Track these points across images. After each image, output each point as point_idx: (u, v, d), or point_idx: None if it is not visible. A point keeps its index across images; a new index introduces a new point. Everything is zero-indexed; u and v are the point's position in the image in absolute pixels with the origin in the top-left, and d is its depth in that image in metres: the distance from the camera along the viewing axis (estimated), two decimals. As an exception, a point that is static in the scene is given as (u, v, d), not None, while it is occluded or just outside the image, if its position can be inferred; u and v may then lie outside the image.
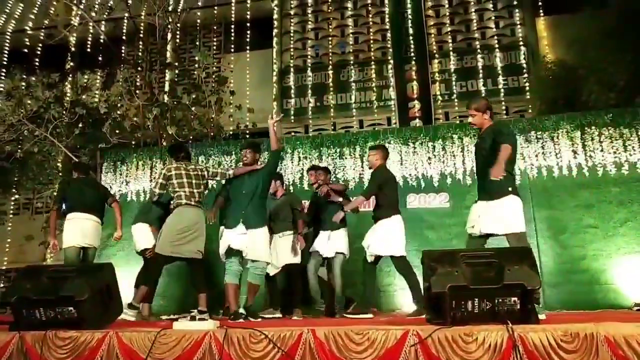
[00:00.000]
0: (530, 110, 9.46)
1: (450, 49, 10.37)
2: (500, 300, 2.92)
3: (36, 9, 11.28)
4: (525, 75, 9.75)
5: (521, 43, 10.06)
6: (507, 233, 3.85)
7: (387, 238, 4.95)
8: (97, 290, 3.68)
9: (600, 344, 2.57)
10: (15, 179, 9.10)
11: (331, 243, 5.42)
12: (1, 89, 9.64)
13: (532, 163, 6.34)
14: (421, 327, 2.92)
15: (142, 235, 5.75)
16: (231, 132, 8.97)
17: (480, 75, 10.04)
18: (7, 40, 11.49)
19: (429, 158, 6.67)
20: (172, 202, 4.84)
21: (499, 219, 3.87)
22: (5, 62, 10.27)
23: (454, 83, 10.17)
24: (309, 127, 10.49)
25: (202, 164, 5.43)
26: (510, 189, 3.93)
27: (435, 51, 10.49)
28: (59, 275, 3.73)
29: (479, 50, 10.18)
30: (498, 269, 2.97)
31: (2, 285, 10.44)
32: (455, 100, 10.07)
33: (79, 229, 5.53)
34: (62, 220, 5.69)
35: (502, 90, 9.85)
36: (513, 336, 2.66)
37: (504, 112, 9.78)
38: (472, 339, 2.74)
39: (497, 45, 10.13)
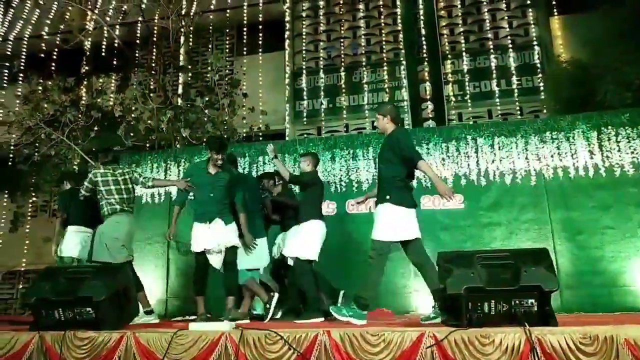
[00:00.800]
0: (544, 111, 9.38)
1: (463, 49, 10.32)
2: (517, 302, 2.91)
3: (52, 14, 11.43)
4: (540, 75, 9.67)
5: (535, 43, 9.98)
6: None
7: (300, 240, 4.97)
8: (114, 291, 3.72)
9: (620, 346, 2.54)
10: (33, 181, 9.22)
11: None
12: (19, 93, 9.77)
13: (547, 164, 6.28)
14: (437, 329, 2.91)
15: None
16: (244, 135, 9.00)
17: (494, 75, 9.97)
18: (24, 46, 11.66)
19: (443, 159, 6.63)
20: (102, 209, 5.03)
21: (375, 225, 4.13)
22: (22, 67, 10.41)
23: (467, 84, 10.11)
24: (321, 129, 10.50)
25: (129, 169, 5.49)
26: (388, 197, 4.10)
27: (448, 52, 10.45)
28: (77, 276, 3.78)
29: (492, 51, 10.12)
30: (514, 270, 2.95)
31: (21, 286, 10.60)
32: (469, 101, 10.01)
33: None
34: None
35: (516, 90, 9.77)
36: (531, 338, 2.65)
37: (518, 112, 9.71)
38: (489, 341, 2.72)
39: (510, 45, 10.06)
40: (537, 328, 2.73)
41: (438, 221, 6.40)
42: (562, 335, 2.64)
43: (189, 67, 10.84)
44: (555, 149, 6.29)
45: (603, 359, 2.55)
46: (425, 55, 10.32)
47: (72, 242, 5.86)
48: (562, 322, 3.03)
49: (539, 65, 9.77)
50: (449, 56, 10.38)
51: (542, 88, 9.54)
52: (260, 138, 9.51)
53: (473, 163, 6.52)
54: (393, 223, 4.04)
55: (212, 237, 4.81)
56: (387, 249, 4.11)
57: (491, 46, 10.17)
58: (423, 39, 10.38)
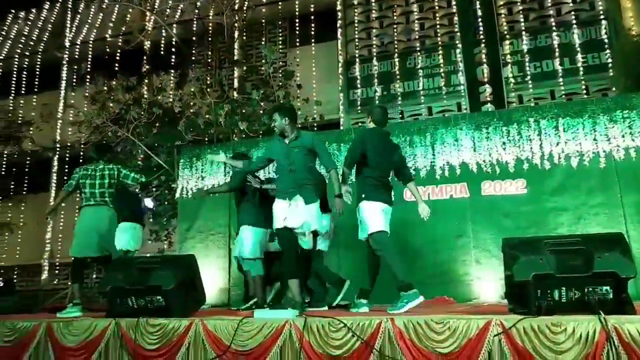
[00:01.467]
0: (613, 89, 8.84)
1: (523, 28, 9.87)
2: (590, 289, 2.78)
3: (114, 17, 11.94)
4: (608, 51, 9.11)
5: (602, 17, 9.39)
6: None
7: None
8: (181, 280, 3.87)
9: None
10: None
11: None
12: (87, 94, 10.30)
13: (618, 144, 5.92)
14: (504, 317, 2.83)
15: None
16: (299, 125, 9.07)
17: (557, 54, 9.49)
18: (90, 49, 12.26)
19: (504, 143, 6.41)
20: None
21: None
22: (89, 69, 10.97)
23: (527, 64, 9.69)
24: (376, 117, 10.39)
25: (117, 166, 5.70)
26: (363, 195, 4.39)
27: (506, 32, 10.04)
28: (147, 266, 3.96)
29: (554, 28, 9.62)
30: (586, 257, 2.82)
31: (94, 276, 11.24)
32: (529, 82, 9.59)
33: None
34: None
35: (581, 68, 9.26)
36: (607, 327, 2.52)
37: (584, 92, 9.20)
38: (561, 329, 2.62)
39: (574, 21, 9.53)
40: (613, 316, 2.60)
41: (499, 207, 6.21)
42: (642, 324, 2.50)
43: (244, 61, 11.03)
44: (627, 129, 5.92)
45: (688, 349, 2.40)
46: (482, 37, 9.98)
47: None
48: (640, 311, 2.87)
49: (606, 40, 9.20)
50: (507, 36, 9.97)
51: (610, 65, 9.00)
52: (315, 128, 9.56)
53: (536, 146, 6.26)
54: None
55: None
56: (386, 235, 4.34)
57: (553, 23, 9.67)
58: (479, 20, 10.03)
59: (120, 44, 11.74)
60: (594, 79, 9.20)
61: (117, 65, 11.39)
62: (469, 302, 5.88)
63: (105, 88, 9.80)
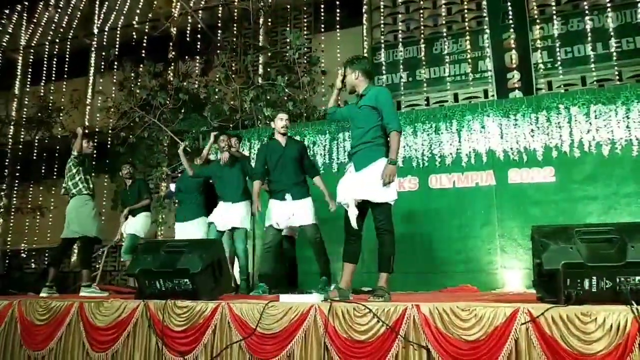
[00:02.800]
0: (649, 74, 8.56)
1: (554, 12, 9.59)
2: (622, 279, 2.72)
3: (141, 3, 12.04)
4: (644, 35, 8.80)
5: None
6: None
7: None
8: (208, 264, 3.93)
9: None
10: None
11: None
12: (114, 80, 10.46)
13: (655, 131, 5.77)
14: (532, 305, 2.80)
15: None
16: (324, 112, 9.06)
17: (589, 38, 9.21)
18: (118, 35, 12.40)
19: (532, 130, 6.28)
20: None
21: None
22: (117, 55, 11.11)
23: (557, 49, 9.43)
24: (401, 103, 10.29)
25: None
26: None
27: (536, 16, 9.77)
28: (175, 249, 4.03)
29: (587, 12, 9.33)
30: (620, 246, 2.76)
31: (122, 260, 11.48)
32: (560, 68, 9.35)
33: None
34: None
35: (614, 53, 8.98)
36: (639, 318, 2.47)
37: (617, 78, 8.93)
38: (591, 319, 2.58)
39: (609, 4, 9.22)
40: (646, 307, 2.54)
41: (527, 195, 6.12)
42: (676, 315, 2.44)
43: (269, 47, 11.02)
44: (663, 116, 5.75)
45: None
46: (511, 21, 9.74)
47: None
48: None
49: (642, 24, 8.89)
50: (538, 21, 9.70)
51: (646, 49, 8.70)
52: (340, 115, 9.51)
53: (565, 134, 6.13)
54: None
55: None
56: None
57: (586, 6, 9.38)
58: (509, 4, 9.78)
59: (147, 30, 11.85)
60: (628, 64, 8.90)
61: (144, 51, 11.51)
62: (492, 290, 5.83)
63: (133, 74, 9.93)
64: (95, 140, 11.90)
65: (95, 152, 12.25)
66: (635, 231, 2.83)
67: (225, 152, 5.84)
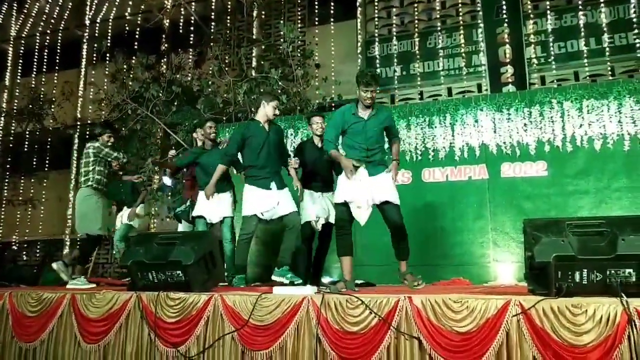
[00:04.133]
0: (640, 70, 8.62)
1: (548, 7, 9.61)
2: (612, 271, 2.74)
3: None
4: (636, 31, 8.83)
5: (631, -5, 9.11)
6: None
7: None
8: (201, 255, 3.92)
9: None
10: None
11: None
12: (107, 72, 10.37)
13: (645, 127, 5.81)
14: (524, 298, 2.82)
15: None
16: (318, 105, 9.04)
17: (582, 34, 9.24)
18: (110, 27, 12.29)
19: (525, 125, 6.31)
20: None
21: None
22: (109, 47, 11.01)
23: (551, 44, 9.45)
24: (395, 97, 10.29)
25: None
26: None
27: (530, 11, 9.79)
28: (168, 241, 4.02)
29: (580, 7, 9.36)
30: (610, 239, 2.78)
31: (114, 252, 11.45)
32: (553, 63, 9.38)
33: None
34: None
35: (607, 49, 9.02)
36: (628, 310, 2.50)
37: (610, 73, 8.97)
38: (581, 311, 2.60)
39: (602, 0, 9.25)
40: (636, 299, 2.57)
41: (520, 189, 6.15)
42: (665, 307, 2.47)
43: (262, 39, 10.96)
44: (654, 111, 5.79)
45: None
46: (505, 16, 9.75)
47: None
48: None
49: (635, 20, 8.92)
50: (532, 16, 9.73)
51: (638, 45, 8.74)
52: (334, 108, 9.50)
53: (558, 128, 6.15)
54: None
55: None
56: None
57: (579, 2, 9.40)
58: (503, -1, 9.80)
59: (139, 22, 11.75)
60: (621, 59, 8.95)
61: (136, 43, 11.41)
62: (485, 283, 5.87)
63: (125, 66, 9.85)
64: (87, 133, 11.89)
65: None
66: (626, 224, 2.86)
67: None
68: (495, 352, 2.75)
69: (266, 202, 4.74)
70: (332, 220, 5.00)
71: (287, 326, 3.28)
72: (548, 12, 9.57)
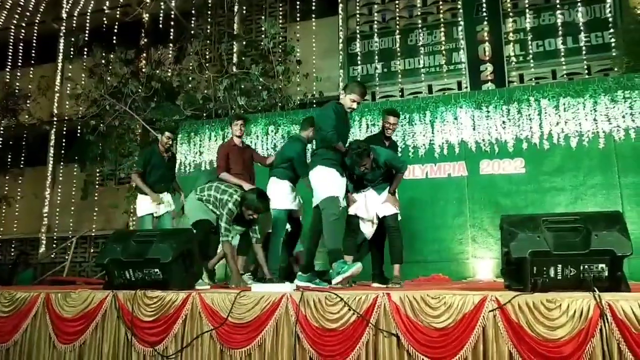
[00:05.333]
0: (615, 69, 8.75)
1: (526, 5, 9.73)
2: (586, 266, 2.79)
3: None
4: (611, 30, 9.00)
5: (607, -5, 9.26)
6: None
7: None
8: (179, 253, 3.88)
9: (702, 313, 2.40)
10: (100, 151, 9.68)
11: None
12: (84, 66, 10.19)
13: (618, 125, 5.93)
14: (500, 293, 2.85)
15: None
16: (299, 102, 9.01)
17: (560, 33, 9.37)
18: (88, 20, 12.08)
19: (503, 122, 6.39)
20: None
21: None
22: (86, 41, 10.82)
23: (529, 43, 9.57)
24: (375, 94, 10.32)
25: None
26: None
27: (509, 9, 9.89)
28: (145, 239, 3.96)
29: (558, 6, 9.49)
30: (584, 235, 2.83)
31: (92, 250, 11.30)
32: (531, 61, 9.50)
33: None
34: None
35: (584, 48, 9.16)
36: (601, 304, 2.54)
37: (586, 72, 9.12)
38: (556, 305, 2.64)
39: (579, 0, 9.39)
40: (607, 294, 2.62)
41: (498, 186, 6.23)
42: (636, 301, 2.52)
43: (243, 35, 10.88)
44: (628, 109, 5.92)
45: (681, 326, 2.42)
46: (484, 14, 9.84)
47: None
48: (635, 289, 2.89)
49: (610, 19, 9.08)
50: (511, 14, 9.83)
51: (613, 44, 8.90)
52: (315, 105, 9.49)
53: (535, 126, 6.25)
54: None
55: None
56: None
57: (557, 1, 9.53)
58: (482, -3, 9.88)
59: (118, 16, 11.56)
60: (597, 58, 9.10)
61: (115, 38, 11.23)
62: (463, 280, 5.94)
63: (103, 61, 9.69)
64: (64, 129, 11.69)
65: (64, 140, 12.01)
66: (599, 220, 2.91)
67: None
68: (471, 348, 2.77)
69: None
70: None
71: (266, 324, 3.26)
72: (527, 10, 9.68)
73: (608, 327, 2.51)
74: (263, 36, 9.42)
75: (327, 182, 4.30)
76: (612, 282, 2.77)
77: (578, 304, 2.60)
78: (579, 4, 9.32)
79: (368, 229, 4.56)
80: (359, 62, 10.47)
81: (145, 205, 5.83)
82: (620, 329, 2.49)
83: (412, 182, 6.47)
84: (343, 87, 4.54)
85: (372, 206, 4.49)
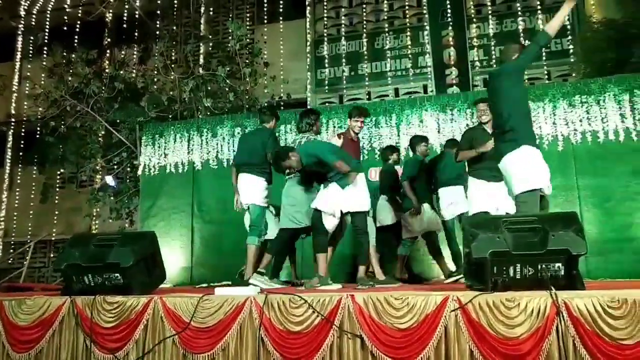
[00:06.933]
0: (574, 74, 9.05)
1: (490, 12, 9.96)
2: (543, 266, 2.86)
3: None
4: (570, 37, 9.30)
5: (565, 4, 9.55)
6: None
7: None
8: (141, 257, 3.80)
9: (650, 310, 2.49)
10: (60, 153, 9.39)
11: None
12: (44, 66, 9.88)
13: (575, 128, 6.11)
14: (462, 293, 2.89)
15: None
16: (266, 104, 8.96)
17: (521, 39, 9.62)
18: (48, 18, 11.72)
19: (467, 125, 6.51)
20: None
21: None
22: (46, 40, 10.49)
23: (493, 48, 9.80)
24: (343, 97, 10.37)
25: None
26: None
27: (473, 15, 10.11)
28: (106, 243, 3.86)
29: (519, 13, 9.75)
30: (542, 235, 2.90)
31: (52, 255, 10.94)
32: (494, 65, 9.71)
33: None
34: None
35: (544, 54, 9.42)
36: (557, 302, 2.61)
37: (546, 77, 9.40)
38: (514, 304, 2.70)
39: (539, 7, 9.68)
40: (563, 292, 2.69)
41: (462, 188, 6.32)
42: (590, 299, 2.60)
43: (210, 36, 10.77)
44: (585, 113, 6.11)
45: (631, 322, 2.50)
46: (449, 19, 10.02)
47: None
48: (590, 287, 2.98)
49: (569, 27, 9.38)
50: (475, 20, 10.05)
51: (571, 51, 9.20)
52: (282, 107, 9.47)
53: (498, 129, 6.37)
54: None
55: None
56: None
57: (519, 8, 9.79)
58: (447, 2, 10.06)
59: (80, 15, 11.26)
60: (556, 64, 9.39)
61: (77, 37, 10.93)
62: (429, 280, 6.00)
63: (64, 61, 9.42)
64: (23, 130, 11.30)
65: (22, 142, 11.60)
66: (556, 221, 2.99)
67: None
68: (434, 347, 2.80)
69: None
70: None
71: (230, 328, 3.23)
72: (490, 17, 9.91)
73: (564, 324, 2.58)
74: (230, 38, 9.34)
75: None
76: (568, 280, 2.85)
77: (536, 303, 2.66)
78: (539, 11, 9.60)
79: (331, 223, 4.40)
80: (326, 65, 10.50)
81: None
82: (575, 325, 2.56)
83: (376, 184, 6.50)
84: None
85: (334, 200, 4.38)
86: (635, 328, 2.48)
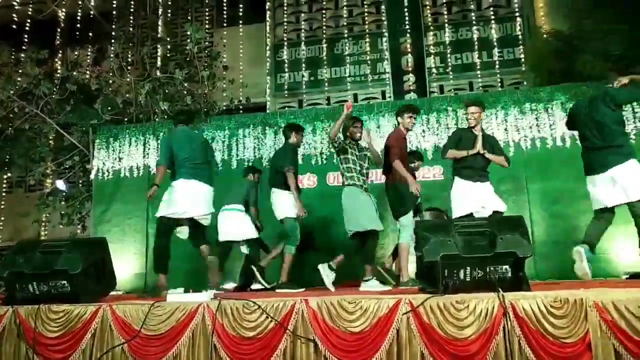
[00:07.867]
0: (525, 83, 9.39)
1: (446, 20, 10.22)
2: (492, 268, 2.94)
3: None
4: (521, 46, 9.64)
5: (517, 14, 9.92)
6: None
7: None
8: (90, 264, 3.69)
9: (589, 309, 2.60)
10: (7, 156, 9.00)
11: None
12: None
13: (525, 135, 6.33)
14: (413, 296, 2.94)
15: None
16: (225, 108, 8.87)
17: (476, 47, 9.92)
18: (-6, 16, 11.23)
19: (423, 131, 6.64)
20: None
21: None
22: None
23: (449, 56, 10.04)
24: (302, 102, 10.39)
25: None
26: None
27: (430, 23, 10.34)
28: (53, 249, 3.72)
29: (474, 22, 10.04)
30: (491, 238, 2.98)
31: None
32: (450, 73, 9.97)
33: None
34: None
35: (497, 62, 9.75)
36: (504, 303, 2.69)
37: (499, 84, 9.71)
38: (464, 306, 2.76)
39: (492, 17, 9.99)
40: (510, 293, 2.77)
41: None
42: (534, 299, 2.69)
43: (168, 39, 10.58)
44: (534, 120, 6.33)
45: (572, 321, 2.60)
46: (407, 27, 10.21)
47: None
48: (535, 288, 3.08)
49: (520, 36, 9.73)
50: (432, 28, 10.28)
51: (522, 60, 9.53)
52: (241, 111, 9.39)
53: (453, 135, 6.52)
54: None
55: None
56: None
57: (473, 17, 10.09)
58: (405, 10, 10.25)
59: (30, 12, 10.85)
60: (508, 72, 9.72)
61: (26, 35, 10.52)
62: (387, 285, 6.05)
63: (12, 60, 9.05)
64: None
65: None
66: (504, 224, 3.08)
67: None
68: (386, 350, 2.83)
69: None
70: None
71: (182, 334, 3.17)
72: (446, 25, 10.16)
73: (510, 324, 2.66)
74: (189, 40, 9.19)
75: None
76: (515, 282, 2.94)
77: (484, 304, 2.73)
78: (492, 21, 9.92)
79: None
80: (286, 70, 10.51)
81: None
82: (520, 326, 2.64)
83: (337, 188, 6.50)
84: None
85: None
86: (575, 326, 2.58)
